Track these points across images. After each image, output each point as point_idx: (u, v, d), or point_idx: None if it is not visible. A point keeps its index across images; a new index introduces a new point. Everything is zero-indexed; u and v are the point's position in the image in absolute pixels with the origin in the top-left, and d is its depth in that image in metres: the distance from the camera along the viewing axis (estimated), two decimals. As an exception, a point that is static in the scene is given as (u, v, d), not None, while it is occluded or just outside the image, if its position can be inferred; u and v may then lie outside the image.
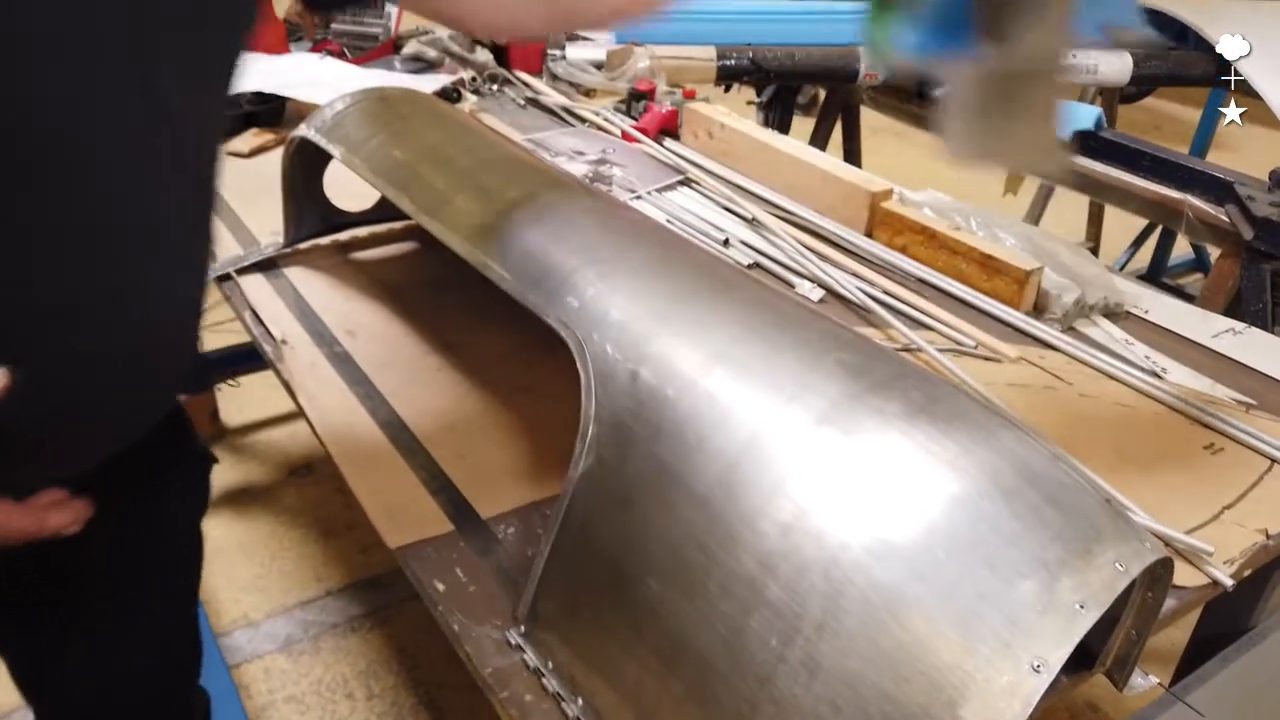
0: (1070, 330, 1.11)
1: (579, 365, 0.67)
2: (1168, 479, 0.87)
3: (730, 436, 0.59)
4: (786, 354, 0.63)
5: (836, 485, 0.54)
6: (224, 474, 2.12)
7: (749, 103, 2.45)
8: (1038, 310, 1.13)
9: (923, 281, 1.19)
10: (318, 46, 1.84)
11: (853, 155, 2.31)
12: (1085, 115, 1.71)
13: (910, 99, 2.01)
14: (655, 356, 0.65)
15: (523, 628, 0.68)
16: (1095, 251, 2.95)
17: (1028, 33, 0.70)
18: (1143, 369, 1.03)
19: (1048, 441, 0.87)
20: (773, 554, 0.53)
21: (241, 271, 1.13)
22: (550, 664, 0.66)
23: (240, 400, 2.31)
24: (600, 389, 0.65)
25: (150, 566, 0.85)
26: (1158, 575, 0.56)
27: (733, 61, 1.79)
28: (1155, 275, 2.87)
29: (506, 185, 0.86)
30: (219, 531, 1.96)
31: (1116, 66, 1.86)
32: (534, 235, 0.79)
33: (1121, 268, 2.90)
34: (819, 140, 2.25)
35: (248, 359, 2.12)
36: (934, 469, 0.53)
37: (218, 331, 2.34)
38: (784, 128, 2.21)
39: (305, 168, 1.12)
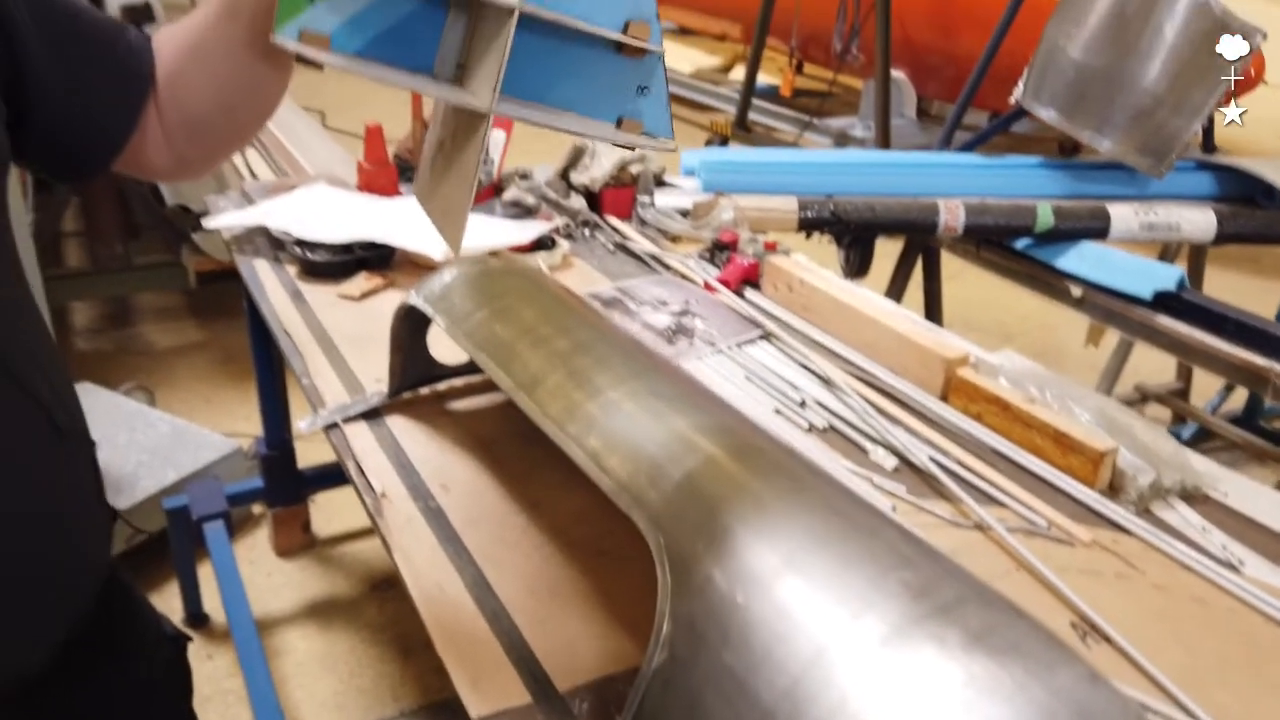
0: (1145, 513, 1.11)
1: (656, 561, 0.72)
2: (1242, 686, 0.87)
3: (795, 650, 0.62)
4: (853, 568, 0.66)
5: (896, 714, 0.57)
6: (311, 585, 2.21)
7: (829, 240, 2.52)
8: (1113, 490, 1.14)
9: (996, 453, 1.21)
10: (425, 190, 1.98)
11: (933, 296, 2.35)
12: (1166, 275, 1.72)
13: (988, 247, 2.05)
14: (728, 559, 0.69)
15: (593, 813, 0.71)
16: (1185, 394, 2.90)
17: (481, 72, 0.62)
18: (1219, 560, 1.03)
19: (1111, 682, 0.88)
20: (833, 778, 0.56)
21: (348, 420, 1.21)
22: None
23: (329, 511, 2.41)
24: (675, 587, 0.70)
25: None
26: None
27: (813, 213, 1.87)
28: (1251, 418, 2.80)
29: (596, 370, 0.93)
30: (304, 644, 2.04)
31: (1200, 224, 1.88)
32: (618, 423, 0.86)
33: (1214, 411, 2.84)
34: (898, 285, 2.30)
35: (340, 476, 2.23)
36: (991, 706, 0.56)
37: (310, 443, 2.47)
38: (864, 267, 2.27)
39: (412, 327, 1.22)
